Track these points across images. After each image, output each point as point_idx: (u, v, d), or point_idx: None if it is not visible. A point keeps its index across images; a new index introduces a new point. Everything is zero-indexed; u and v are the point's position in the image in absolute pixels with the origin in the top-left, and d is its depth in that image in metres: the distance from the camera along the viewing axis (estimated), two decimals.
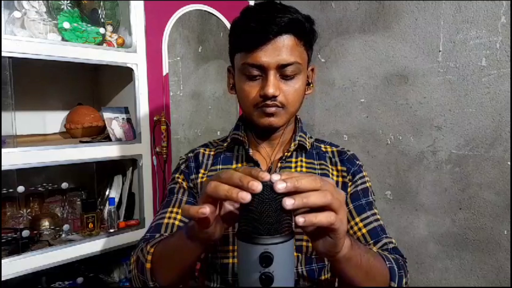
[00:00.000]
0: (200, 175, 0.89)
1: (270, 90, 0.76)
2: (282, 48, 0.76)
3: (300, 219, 0.48)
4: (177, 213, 0.86)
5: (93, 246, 1.33)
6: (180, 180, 0.91)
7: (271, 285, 0.50)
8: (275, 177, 0.49)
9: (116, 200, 1.47)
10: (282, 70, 0.77)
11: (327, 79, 1.72)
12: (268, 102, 0.78)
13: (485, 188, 1.32)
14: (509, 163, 1.27)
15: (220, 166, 0.89)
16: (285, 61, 0.76)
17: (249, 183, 0.48)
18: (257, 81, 0.79)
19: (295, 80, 0.79)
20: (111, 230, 1.40)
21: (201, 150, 0.94)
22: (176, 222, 0.85)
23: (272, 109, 0.79)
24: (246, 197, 0.48)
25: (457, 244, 1.39)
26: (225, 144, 0.92)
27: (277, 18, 0.74)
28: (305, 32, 0.79)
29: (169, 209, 0.87)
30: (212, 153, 0.93)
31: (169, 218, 0.86)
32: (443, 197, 1.41)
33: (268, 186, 0.52)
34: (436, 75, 1.40)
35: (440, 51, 1.39)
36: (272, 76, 0.77)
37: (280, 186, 0.48)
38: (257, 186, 0.47)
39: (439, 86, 1.40)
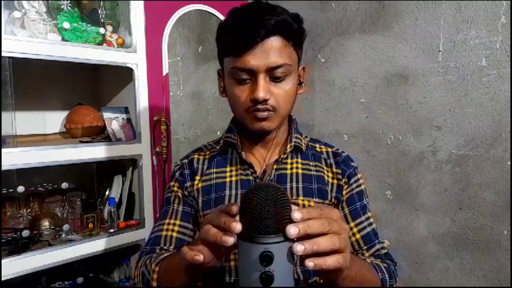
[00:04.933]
0: (196, 182, 0.89)
1: (261, 94, 0.75)
2: (271, 51, 0.74)
3: (310, 264, 0.50)
4: (174, 224, 0.87)
5: (93, 246, 1.33)
6: (175, 189, 0.91)
7: (271, 284, 0.50)
8: (292, 230, 0.50)
9: (116, 200, 1.47)
10: (271, 73, 0.76)
11: (327, 79, 1.72)
12: (259, 106, 0.77)
13: (485, 188, 1.32)
14: (509, 163, 1.27)
15: (214, 170, 0.89)
16: (274, 64, 0.75)
17: (230, 225, 0.51)
18: (247, 84, 0.78)
19: (285, 81, 0.78)
20: (111, 230, 1.40)
21: (195, 156, 0.93)
22: (174, 234, 0.86)
23: (264, 114, 0.78)
24: (228, 240, 0.51)
25: (457, 244, 1.39)
26: (218, 147, 0.91)
27: (264, 21, 0.73)
28: (293, 32, 0.78)
29: (166, 221, 0.88)
30: (207, 156, 0.92)
31: (167, 230, 0.87)
32: (443, 197, 1.41)
33: (269, 186, 0.52)
34: (436, 75, 1.40)
35: (440, 51, 1.39)
36: (262, 79, 0.75)
37: (292, 231, 0.49)
38: (236, 227, 0.50)
39: (439, 86, 1.40)
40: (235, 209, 0.53)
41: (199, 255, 0.55)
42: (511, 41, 1.23)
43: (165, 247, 0.85)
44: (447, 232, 1.41)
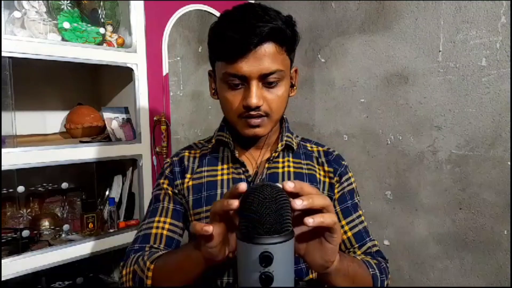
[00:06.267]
0: (186, 180, 0.88)
1: (253, 101, 0.74)
2: (264, 57, 0.73)
3: (309, 220, 0.53)
4: (164, 222, 0.85)
5: (93, 246, 1.33)
6: (165, 186, 0.89)
7: (271, 285, 0.50)
8: (290, 184, 0.55)
9: (116, 200, 1.47)
10: (264, 79, 0.76)
11: (327, 79, 1.72)
12: (252, 112, 0.77)
13: (485, 188, 1.32)
14: (509, 163, 1.27)
15: (206, 168, 0.88)
16: (267, 70, 0.74)
17: (236, 187, 0.55)
18: (239, 90, 0.77)
19: (278, 87, 0.78)
20: (111, 230, 1.40)
21: (186, 153, 0.92)
22: (165, 232, 0.84)
23: (257, 121, 0.78)
24: (233, 203, 0.54)
25: (457, 244, 1.39)
26: (209, 146, 0.91)
27: (258, 28, 0.72)
28: (286, 38, 0.77)
29: (156, 218, 0.86)
30: (197, 155, 0.91)
31: (157, 228, 0.85)
32: (443, 197, 1.41)
33: (269, 186, 0.52)
34: (436, 75, 1.40)
35: (440, 51, 1.39)
36: (255, 86, 0.75)
37: (290, 185, 0.55)
38: (240, 186, 0.55)
39: (439, 86, 1.40)
40: (235, 204, 0.54)
41: (209, 226, 0.56)
42: (511, 41, 1.23)
43: (155, 246, 0.83)
44: (447, 232, 1.41)
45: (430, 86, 1.42)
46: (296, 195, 0.55)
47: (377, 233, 1.58)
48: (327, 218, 0.54)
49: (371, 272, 0.75)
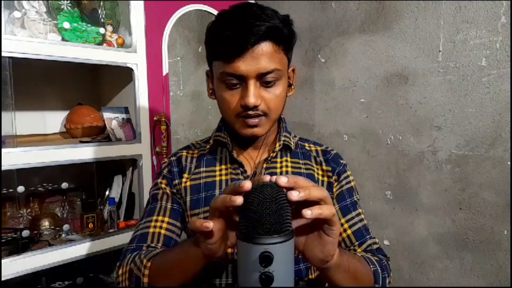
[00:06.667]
0: (183, 179, 0.87)
1: (251, 100, 0.74)
2: (261, 56, 0.73)
3: (307, 212, 0.52)
4: (162, 221, 0.84)
5: (93, 246, 1.33)
6: (163, 186, 0.89)
7: (271, 285, 0.50)
8: (283, 178, 0.54)
9: (116, 200, 1.47)
10: (262, 78, 0.75)
11: (327, 79, 1.72)
12: (250, 112, 0.76)
13: (485, 188, 1.32)
14: (509, 163, 1.27)
15: (204, 169, 0.88)
16: (265, 69, 0.74)
17: (241, 185, 0.53)
18: (237, 89, 0.77)
19: (276, 86, 0.78)
20: (111, 230, 1.40)
21: (184, 153, 0.92)
22: (162, 231, 0.83)
23: (255, 121, 0.78)
24: (236, 199, 0.52)
25: (457, 244, 1.39)
26: (207, 146, 0.91)
27: (255, 27, 0.72)
28: (283, 37, 0.77)
29: (154, 218, 0.85)
30: (195, 155, 0.91)
31: (155, 227, 0.83)
32: (443, 197, 1.41)
33: (269, 186, 0.52)
34: (436, 75, 1.40)
35: (440, 51, 1.39)
36: (252, 85, 0.75)
37: (283, 179, 0.53)
38: (245, 184, 0.53)
39: (439, 86, 1.40)
40: (239, 200, 0.53)
41: (209, 222, 0.55)
42: (511, 41, 1.23)
43: (152, 245, 0.81)
44: (447, 232, 1.41)
45: (430, 86, 1.42)
46: (291, 190, 0.54)
47: (377, 233, 1.58)
48: (325, 210, 0.54)
49: (372, 269, 0.74)
